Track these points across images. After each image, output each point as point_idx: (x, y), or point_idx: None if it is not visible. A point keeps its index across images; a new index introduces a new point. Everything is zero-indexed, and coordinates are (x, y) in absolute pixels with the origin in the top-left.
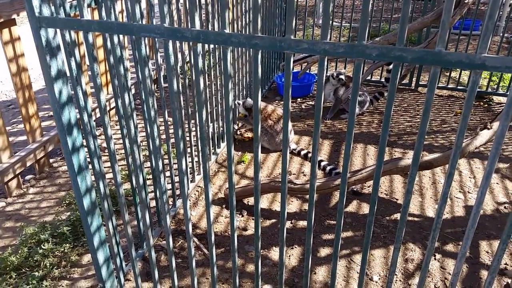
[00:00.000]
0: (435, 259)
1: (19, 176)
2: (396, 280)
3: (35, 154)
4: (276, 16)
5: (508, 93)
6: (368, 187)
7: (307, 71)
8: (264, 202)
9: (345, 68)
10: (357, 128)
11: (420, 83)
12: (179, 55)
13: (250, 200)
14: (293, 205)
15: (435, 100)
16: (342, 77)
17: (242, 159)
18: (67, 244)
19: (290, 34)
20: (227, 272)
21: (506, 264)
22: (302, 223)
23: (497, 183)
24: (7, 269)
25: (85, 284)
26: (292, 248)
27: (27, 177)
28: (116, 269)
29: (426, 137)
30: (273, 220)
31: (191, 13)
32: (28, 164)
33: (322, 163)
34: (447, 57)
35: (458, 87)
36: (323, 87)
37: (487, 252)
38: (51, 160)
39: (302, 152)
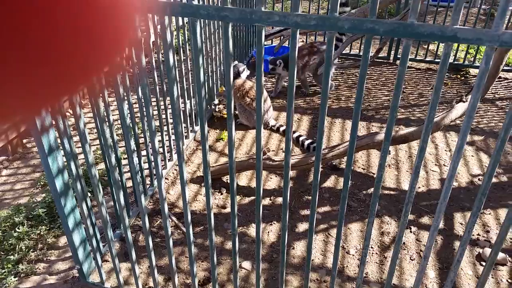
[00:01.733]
0: (411, 231)
1: None
2: (372, 253)
3: (7, 135)
4: None
5: None
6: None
7: (286, 45)
8: (243, 179)
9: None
10: (335, 103)
11: (398, 56)
12: (152, 29)
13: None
14: (272, 182)
15: (413, 73)
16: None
17: (221, 136)
18: (43, 227)
19: (261, 6)
20: (206, 250)
21: (478, 235)
22: (281, 200)
23: (472, 156)
24: None
25: (63, 266)
26: (271, 225)
27: (0, 159)
28: (93, 251)
29: (403, 111)
30: (252, 197)
31: None
32: (0, 145)
33: (301, 138)
34: (419, 29)
35: (436, 60)
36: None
37: (461, 224)
38: (24, 141)
39: (281, 129)
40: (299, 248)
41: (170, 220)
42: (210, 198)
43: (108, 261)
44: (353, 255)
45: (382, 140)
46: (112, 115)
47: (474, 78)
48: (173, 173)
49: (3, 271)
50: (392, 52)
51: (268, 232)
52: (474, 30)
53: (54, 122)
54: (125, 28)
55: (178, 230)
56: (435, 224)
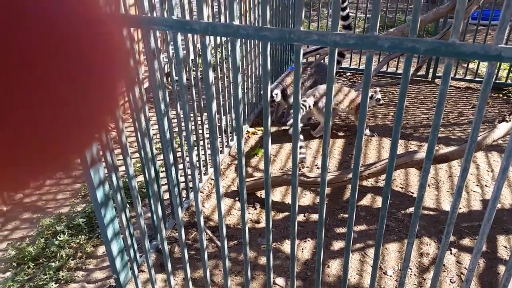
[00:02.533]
0: (451, 253)
1: None
2: (410, 275)
3: None
4: (290, 7)
5: None
6: (383, 180)
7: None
8: (277, 195)
9: (360, 60)
10: (372, 121)
11: (437, 74)
12: (191, 48)
13: (263, 193)
14: (306, 198)
15: (453, 92)
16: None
17: (255, 152)
18: (83, 236)
19: (300, 26)
20: (240, 264)
21: None
22: (315, 216)
23: None
24: (25, 259)
25: (100, 275)
26: (305, 242)
27: None
28: (130, 261)
29: (443, 129)
30: (286, 213)
31: (199, 4)
32: None
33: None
34: (461, 48)
35: (476, 79)
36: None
37: (505, 247)
38: None
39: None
40: (334, 266)
41: (205, 234)
42: (245, 213)
43: (144, 271)
44: (391, 276)
45: (421, 159)
46: (152, 129)
47: None
48: (208, 186)
49: (45, 277)
50: (431, 70)
51: (302, 249)
52: None
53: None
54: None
55: (212, 243)
56: (478, 246)
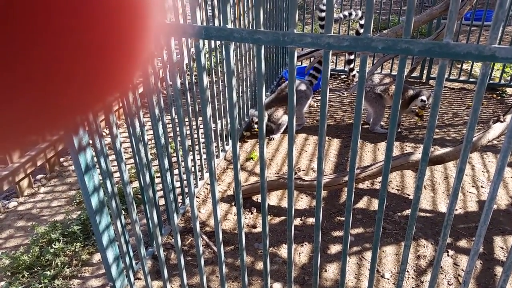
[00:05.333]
0: (448, 255)
1: (30, 175)
2: (408, 277)
3: (45, 154)
4: (283, 10)
5: None
6: (379, 183)
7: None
8: (273, 199)
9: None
10: (368, 124)
11: (431, 75)
12: (185, 52)
13: (259, 197)
14: (303, 202)
15: (447, 93)
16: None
17: (250, 156)
18: (78, 243)
19: (293, 28)
20: (237, 270)
21: None
22: (312, 220)
23: (511, 177)
24: (20, 268)
25: (96, 283)
26: (302, 246)
27: (38, 177)
28: (125, 268)
29: (437, 131)
30: (283, 217)
31: (192, 8)
32: (39, 163)
33: None
34: (455, 49)
35: (470, 79)
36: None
37: (502, 248)
38: (61, 159)
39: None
40: (331, 270)
41: (201, 239)
42: (241, 218)
43: (140, 278)
44: (388, 279)
45: (417, 161)
46: (147, 134)
47: (510, 98)
48: (204, 191)
49: (40, 286)
50: (425, 72)
51: (300, 253)
52: None
53: (91, 141)
54: (139, 46)
55: (209, 249)
56: (475, 248)
